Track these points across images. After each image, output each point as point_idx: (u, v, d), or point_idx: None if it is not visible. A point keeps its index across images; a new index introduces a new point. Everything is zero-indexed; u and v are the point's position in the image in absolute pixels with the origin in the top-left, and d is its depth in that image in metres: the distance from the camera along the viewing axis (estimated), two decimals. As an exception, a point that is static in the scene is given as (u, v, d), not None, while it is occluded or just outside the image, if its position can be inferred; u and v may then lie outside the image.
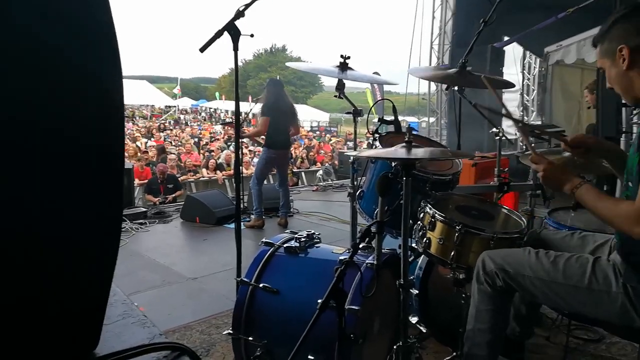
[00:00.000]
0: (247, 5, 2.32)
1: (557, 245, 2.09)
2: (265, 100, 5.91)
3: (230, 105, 32.54)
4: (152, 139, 17.66)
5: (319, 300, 1.48)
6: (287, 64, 3.87)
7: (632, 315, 1.67)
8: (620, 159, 1.98)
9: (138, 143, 15.13)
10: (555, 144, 5.21)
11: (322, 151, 16.25)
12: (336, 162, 14.23)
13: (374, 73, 3.26)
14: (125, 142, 8.98)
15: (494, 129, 2.98)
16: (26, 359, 1.24)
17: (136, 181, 9.08)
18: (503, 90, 9.04)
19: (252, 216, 5.97)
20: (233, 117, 2.63)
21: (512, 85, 4.62)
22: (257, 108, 6.39)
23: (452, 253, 2.13)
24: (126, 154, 10.85)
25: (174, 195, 8.58)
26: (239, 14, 2.33)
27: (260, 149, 6.82)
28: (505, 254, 1.97)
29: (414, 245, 2.38)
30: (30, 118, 1.13)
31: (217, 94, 43.32)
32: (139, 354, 1.36)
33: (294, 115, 6.15)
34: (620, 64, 1.66)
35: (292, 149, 10.66)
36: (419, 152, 1.95)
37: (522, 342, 2.43)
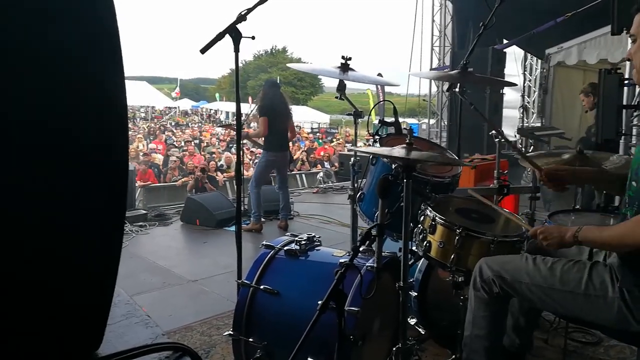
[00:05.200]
0: (250, 10, 2.34)
1: (555, 252, 2.09)
2: (262, 101, 5.91)
3: (230, 107, 32.53)
4: (154, 140, 17.66)
5: (319, 302, 1.49)
6: (288, 64, 3.88)
7: (628, 319, 1.68)
8: (604, 180, 2.01)
9: (140, 145, 15.14)
10: (555, 146, 5.23)
11: (324, 153, 16.23)
12: (336, 164, 14.22)
13: (377, 74, 3.27)
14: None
15: (494, 131, 2.99)
16: (30, 359, 1.25)
17: (138, 183, 9.09)
18: (504, 91, 9.12)
19: (251, 219, 5.96)
20: (233, 119, 2.64)
21: (514, 85, 4.64)
22: (256, 110, 6.39)
23: (452, 256, 2.14)
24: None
25: None
26: (241, 17, 2.34)
27: (260, 150, 6.81)
28: (503, 260, 1.97)
29: (414, 248, 2.39)
30: (36, 119, 1.14)
31: (217, 95, 43.23)
32: (142, 354, 1.37)
33: (289, 118, 6.15)
34: None
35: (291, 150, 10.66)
36: (420, 155, 1.96)
37: (523, 354, 2.40)
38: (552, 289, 1.82)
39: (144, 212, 6.61)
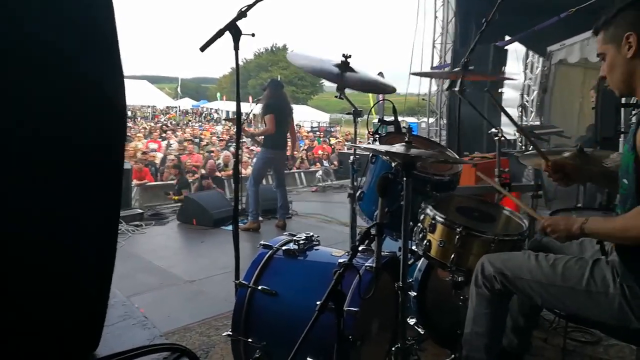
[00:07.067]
0: (250, 6, 2.32)
1: (557, 250, 2.08)
2: (267, 99, 5.92)
3: (231, 106, 32.47)
4: (149, 139, 17.58)
5: (318, 302, 1.48)
6: (289, 59, 3.76)
7: (629, 316, 1.68)
8: (607, 179, 2.01)
9: (140, 144, 15.07)
10: (555, 144, 5.23)
11: (323, 152, 16.22)
12: (335, 162, 14.21)
13: (378, 74, 3.23)
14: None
15: (493, 130, 2.97)
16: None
17: (134, 182, 9.05)
18: (503, 90, 9.07)
19: (248, 218, 5.95)
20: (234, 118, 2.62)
21: (513, 79, 4.60)
22: (257, 109, 6.39)
23: (452, 256, 2.12)
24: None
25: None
26: (241, 14, 2.33)
27: (259, 148, 6.81)
28: (505, 257, 1.97)
29: (414, 247, 2.37)
30: (36, 119, 1.13)
31: (218, 94, 43.16)
32: (139, 355, 1.36)
33: (291, 118, 6.19)
34: (625, 50, 1.68)
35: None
36: (419, 152, 1.95)
37: (521, 355, 2.39)
38: (554, 285, 1.81)
39: (140, 211, 6.58)
